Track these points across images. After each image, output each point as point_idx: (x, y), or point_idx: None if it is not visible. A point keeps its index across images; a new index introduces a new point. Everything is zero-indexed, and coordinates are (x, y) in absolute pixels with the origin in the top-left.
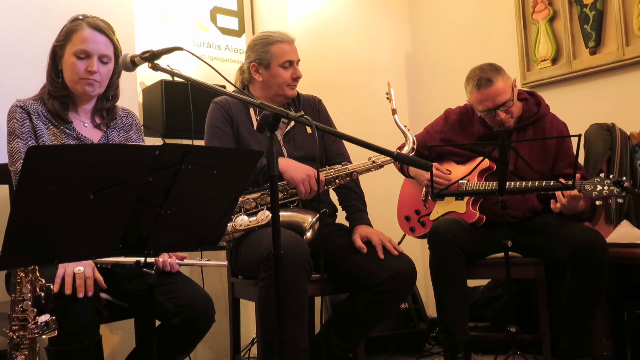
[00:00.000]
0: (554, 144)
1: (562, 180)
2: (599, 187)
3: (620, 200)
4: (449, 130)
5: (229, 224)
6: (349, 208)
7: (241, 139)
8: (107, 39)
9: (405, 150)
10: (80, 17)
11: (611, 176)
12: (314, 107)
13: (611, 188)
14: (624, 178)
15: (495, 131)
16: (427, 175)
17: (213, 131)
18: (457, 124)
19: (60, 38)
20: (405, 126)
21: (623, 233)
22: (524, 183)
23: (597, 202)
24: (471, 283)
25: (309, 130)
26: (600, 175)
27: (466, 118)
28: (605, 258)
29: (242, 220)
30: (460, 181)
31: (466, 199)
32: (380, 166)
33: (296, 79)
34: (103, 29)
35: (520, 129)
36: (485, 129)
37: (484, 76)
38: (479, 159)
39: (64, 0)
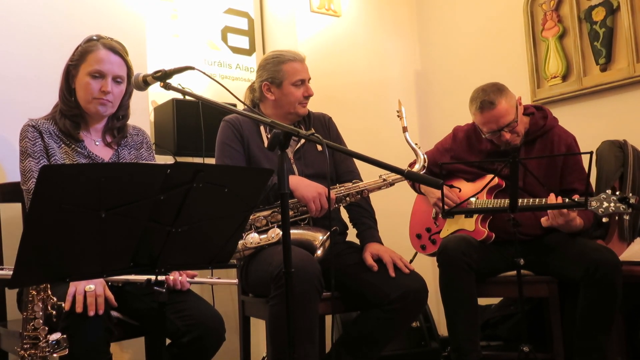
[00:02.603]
0: (562, 157)
1: (575, 196)
2: (605, 204)
3: (626, 217)
4: (458, 147)
5: (239, 242)
6: (360, 226)
7: (252, 157)
8: (122, 60)
9: (416, 168)
10: (95, 37)
11: (617, 192)
12: (324, 125)
13: (617, 205)
14: (630, 195)
15: (503, 148)
16: (437, 193)
17: (224, 149)
18: (465, 141)
19: (74, 57)
20: (416, 144)
21: (637, 250)
22: (535, 200)
23: (604, 219)
24: (483, 301)
25: (319, 148)
26: (607, 191)
27: (474, 135)
28: (619, 276)
29: (252, 238)
30: (470, 199)
31: (475, 216)
32: (391, 184)
33: (308, 97)
34: (118, 50)
35: (527, 143)
36: (493, 145)
37: (486, 99)
38: (489, 176)
39: (77, 21)
